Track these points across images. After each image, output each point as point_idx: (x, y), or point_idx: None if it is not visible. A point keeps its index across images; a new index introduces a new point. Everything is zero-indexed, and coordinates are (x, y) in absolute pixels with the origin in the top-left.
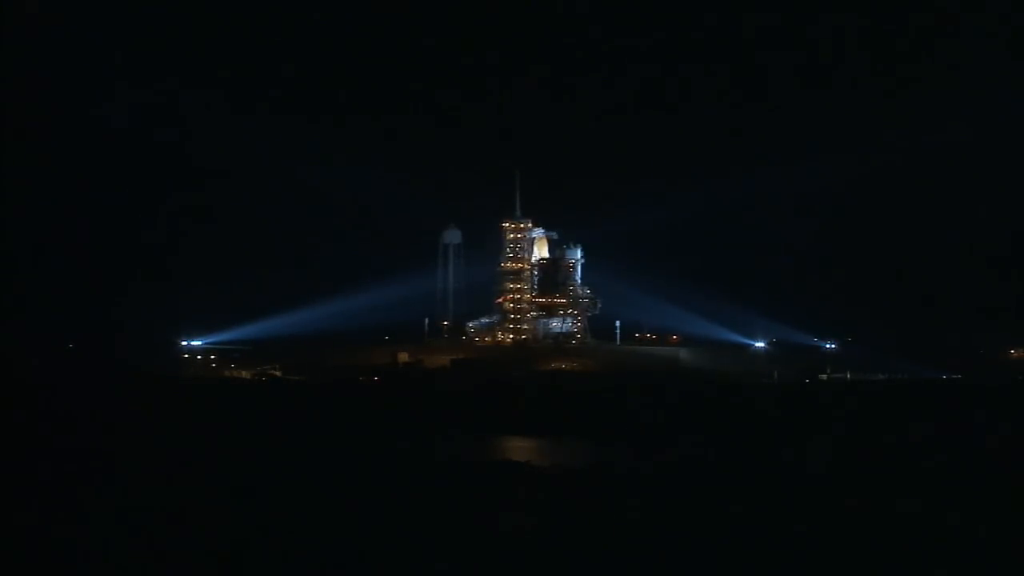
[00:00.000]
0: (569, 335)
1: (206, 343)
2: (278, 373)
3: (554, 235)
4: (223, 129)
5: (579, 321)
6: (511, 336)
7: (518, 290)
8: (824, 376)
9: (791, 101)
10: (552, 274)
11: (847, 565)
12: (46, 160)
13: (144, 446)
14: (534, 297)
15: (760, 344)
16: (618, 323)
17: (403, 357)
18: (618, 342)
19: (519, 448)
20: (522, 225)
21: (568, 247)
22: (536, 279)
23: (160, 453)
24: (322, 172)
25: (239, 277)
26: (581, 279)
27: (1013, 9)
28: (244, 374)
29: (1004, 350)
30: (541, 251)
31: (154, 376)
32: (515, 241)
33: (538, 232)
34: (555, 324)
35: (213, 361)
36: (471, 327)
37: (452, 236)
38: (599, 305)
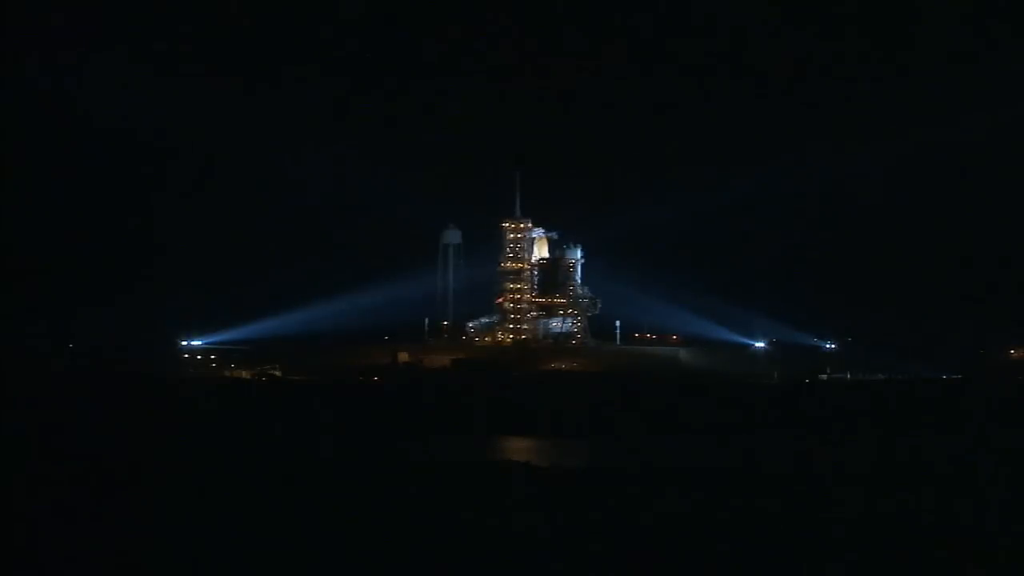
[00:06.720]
0: (569, 335)
1: (206, 343)
2: (278, 373)
3: (554, 235)
4: (222, 127)
5: (579, 321)
6: (511, 336)
7: (518, 290)
8: (824, 376)
9: (792, 98)
10: (552, 274)
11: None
12: (44, 159)
13: (142, 447)
14: (534, 297)
15: (760, 344)
16: (618, 323)
17: (403, 357)
18: (618, 342)
19: (519, 448)
20: (522, 225)
21: (568, 247)
22: (536, 279)
23: (158, 455)
24: (322, 172)
25: (239, 277)
26: (581, 279)
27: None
28: (244, 374)
29: (1004, 350)
30: (541, 251)
31: (153, 376)
32: (515, 241)
33: (538, 232)
34: (555, 324)
35: (213, 361)
36: (471, 327)
37: (452, 236)
38: (599, 305)
